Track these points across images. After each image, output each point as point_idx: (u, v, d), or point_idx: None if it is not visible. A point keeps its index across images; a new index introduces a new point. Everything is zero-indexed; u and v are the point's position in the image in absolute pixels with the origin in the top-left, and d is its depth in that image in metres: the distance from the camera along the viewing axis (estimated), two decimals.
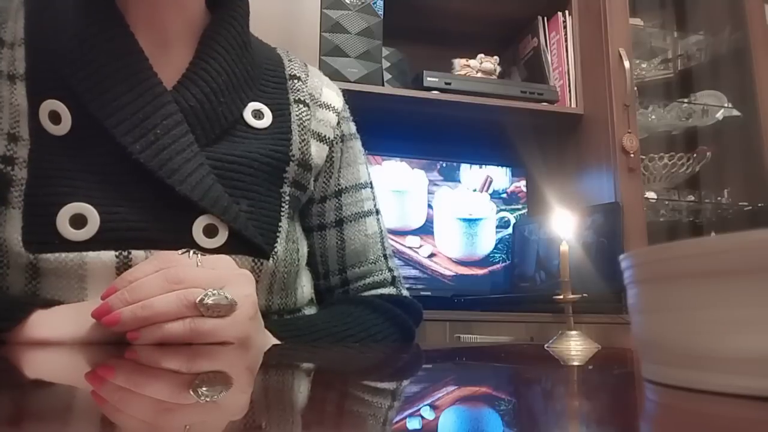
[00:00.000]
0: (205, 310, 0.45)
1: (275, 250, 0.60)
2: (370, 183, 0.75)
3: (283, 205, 0.63)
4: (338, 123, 0.71)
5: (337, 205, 0.71)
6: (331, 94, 0.73)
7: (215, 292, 0.45)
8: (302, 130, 0.67)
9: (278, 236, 0.60)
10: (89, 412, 0.20)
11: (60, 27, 0.57)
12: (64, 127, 0.54)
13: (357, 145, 0.75)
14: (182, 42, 0.61)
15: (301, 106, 0.68)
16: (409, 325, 0.69)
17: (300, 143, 0.66)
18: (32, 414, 0.19)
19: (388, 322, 0.66)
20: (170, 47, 0.61)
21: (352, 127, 0.75)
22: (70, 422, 0.18)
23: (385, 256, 0.73)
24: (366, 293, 0.72)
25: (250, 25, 0.67)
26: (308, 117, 0.68)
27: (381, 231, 0.74)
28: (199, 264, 0.48)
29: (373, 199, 0.74)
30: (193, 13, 0.62)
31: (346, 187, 0.72)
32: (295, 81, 0.70)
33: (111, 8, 0.57)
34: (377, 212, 0.74)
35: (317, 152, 0.68)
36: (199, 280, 0.46)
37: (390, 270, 0.73)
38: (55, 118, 0.54)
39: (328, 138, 0.70)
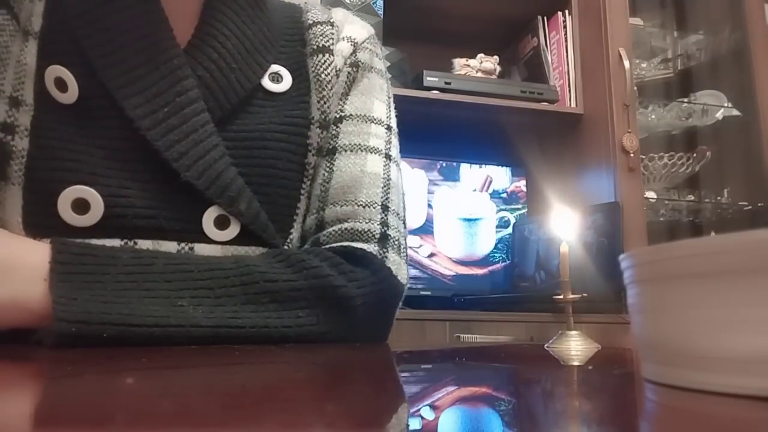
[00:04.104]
0: None
1: (290, 236, 0.55)
2: (388, 126, 0.62)
3: (305, 180, 0.57)
4: (353, 52, 0.61)
5: (335, 132, 0.58)
6: (355, 28, 0.64)
7: None
8: (321, 85, 0.59)
9: (295, 219, 0.56)
10: None
11: None
12: (71, 95, 0.49)
13: (378, 80, 0.63)
14: (197, 4, 0.56)
15: (318, 55, 0.60)
16: (341, 299, 0.49)
17: (319, 102, 0.58)
18: None
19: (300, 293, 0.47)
20: (188, 6, 0.55)
21: (377, 63, 0.64)
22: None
23: (384, 206, 0.57)
24: (336, 245, 0.54)
25: None
26: (329, 64, 0.60)
27: (388, 178, 0.59)
28: None
29: (388, 143, 0.61)
30: None
31: (350, 114, 0.59)
32: (314, 28, 0.62)
33: None
34: (389, 157, 0.60)
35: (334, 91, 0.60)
36: None
37: (384, 225, 0.56)
38: (61, 85, 0.49)
39: (338, 68, 0.60)
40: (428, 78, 1.52)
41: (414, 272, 1.60)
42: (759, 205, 1.66)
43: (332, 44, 0.61)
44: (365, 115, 0.60)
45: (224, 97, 0.53)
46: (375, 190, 0.57)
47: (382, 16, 1.52)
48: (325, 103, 0.58)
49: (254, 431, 0.17)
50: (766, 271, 0.21)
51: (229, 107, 0.53)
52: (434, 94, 1.52)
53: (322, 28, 0.61)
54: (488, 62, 1.65)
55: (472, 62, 1.64)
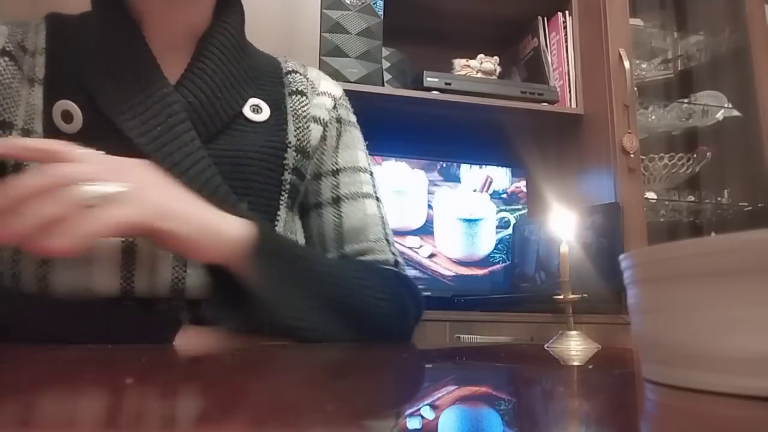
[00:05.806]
0: (88, 204, 0.43)
1: None
2: (371, 171, 0.74)
3: (283, 193, 0.65)
4: (335, 107, 0.73)
5: (335, 183, 0.71)
6: (330, 85, 0.75)
7: (97, 183, 0.44)
8: (298, 118, 0.69)
9: (276, 225, 0.64)
10: None
11: (80, 35, 0.63)
12: (76, 125, 0.58)
13: (356, 133, 0.75)
14: (188, 44, 0.65)
15: (296, 96, 0.71)
16: (406, 302, 0.66)
17: (296, 131, 0.68)
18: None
19: (385, 288, 0.63)
20: (176, 49, 0.64)
21: (352, 117, 0.76)
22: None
23: (387, 240, 0.71)
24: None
25: (250, 25, 0.71)
26: (305, 104, 0.70)
27: (382, 216, 0.72)
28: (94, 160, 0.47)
29: (373, 186, 0.73)
30: (201, 20, 0.66)
31: (344, 167, 0.71)
32: (292, 75, 0.73)
33: (126, 18, 0.63)
34: (377, 199, 0.73)
35: (314, 134, 0.70)
36: (82, 173, 0.44)
37: (394, 254, 0.71)
38: (67, 117, 0.58)
39: (323, 119, 0.71)
40: (428, 78, 1.51)
41: (414, 272, 1.60)
42: (759, 205, 1.66)
43: (307, 90, 0.72)
44: (354, 167, 0.72)
45: (210, 121, 0.62)
46: (378, 228, 0.71)
47: (382, 16, 1.51)
48: (300, 132, 0.69)
49: (254, 431, 0.17)
50: (766, 271, 0.21)
51: (214, 129, 0.62)
52: (434, 95, 1.52)
53: (298, 76, 0.73)
54: (488, 63, 1.65)
55: (472, 63, 1.64)
